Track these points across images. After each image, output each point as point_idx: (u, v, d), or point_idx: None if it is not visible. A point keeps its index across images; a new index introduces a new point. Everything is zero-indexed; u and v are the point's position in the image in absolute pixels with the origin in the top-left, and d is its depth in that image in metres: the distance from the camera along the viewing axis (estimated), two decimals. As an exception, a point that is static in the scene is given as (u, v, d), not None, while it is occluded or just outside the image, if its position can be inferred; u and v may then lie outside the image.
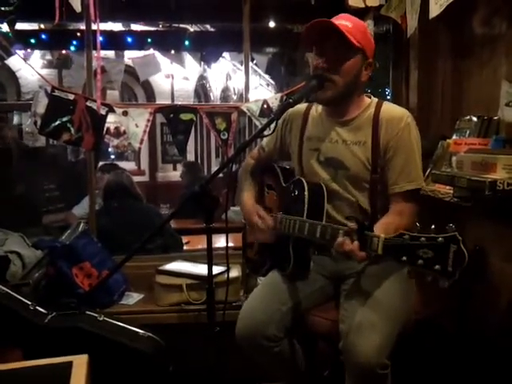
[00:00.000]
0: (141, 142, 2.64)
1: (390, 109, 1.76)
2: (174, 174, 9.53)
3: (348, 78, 1.69)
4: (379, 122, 1.72)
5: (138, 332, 2.01)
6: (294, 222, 1.74)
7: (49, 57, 8.26)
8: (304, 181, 1.79)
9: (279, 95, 2.77)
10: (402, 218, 1.64)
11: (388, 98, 2.90)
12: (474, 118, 2.04)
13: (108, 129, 2.67)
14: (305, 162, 1.86)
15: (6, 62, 6.24)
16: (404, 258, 1.31)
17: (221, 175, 1.76)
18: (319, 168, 1.81)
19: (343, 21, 1.67)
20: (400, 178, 1.70)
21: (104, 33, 3.16)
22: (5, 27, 2.70)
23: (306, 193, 1.74)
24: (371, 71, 1.75)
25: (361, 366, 1.52)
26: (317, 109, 1.87)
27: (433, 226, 1.28)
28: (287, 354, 1.82)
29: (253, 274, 2.36)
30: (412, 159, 1.71)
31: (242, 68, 2.91)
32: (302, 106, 1.93)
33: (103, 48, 2.63)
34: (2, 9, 2.57)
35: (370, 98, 1.81)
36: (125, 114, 2.64)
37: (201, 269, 2.39)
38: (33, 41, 4.75)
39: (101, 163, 4.96)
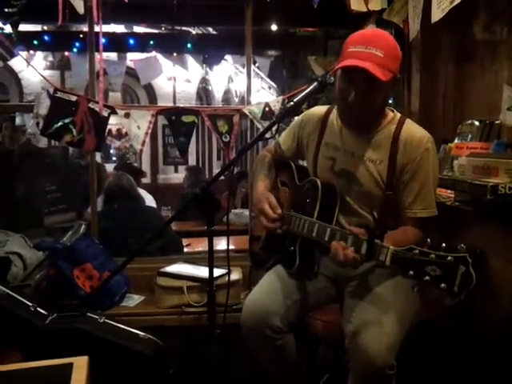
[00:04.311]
0: (142, 144, 2.64)
1: (411, 129, 1.71)
2: (176, 176, 9.55)
3: (380, 103, 1.66)
4: (398, 142, 1.68)
5: (138, 334, 2.00)
6: (303, 221, 1.71)
7: (51, 58, 8.30)
8: (318, 181, 1.76)
9: (281, 98, 2.79)
10: (409, 237, 1.60)
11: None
12: (476, 122, 2.04)
13: (110, 130, 2.68)
14: (319, 169, 1.84)
15: (9, 63, 6.25)
16: (411, 273, 1.29)
17: (222, 178, 1.75)
18: (333, 177, 1.78)
19: (375, 49, 1.54)
20: (414, 204, 1.68)
21: (106, 35, 3.17)
22: (8, 28, 2.71)
23: (319, 193, 1.72)
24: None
25: (369, 366, 1.50)
26: (337, 116, 1.81)
27: (444, 244, 1.26)
28: (289, 351, 1.79)
29: (256, 268, 2.33)
30: (428, 186, 1.68)
31: (244, 71, 2.91)
32: (321, 109, 1.89)
33: (106, 50, 2.64)
34: (6, 10, 2.58)
35: (393, 111, 1.77)
36: (127, 115, 2.64)
37: (202, 271, 2.39)
38: (36, 42, 4.77)
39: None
